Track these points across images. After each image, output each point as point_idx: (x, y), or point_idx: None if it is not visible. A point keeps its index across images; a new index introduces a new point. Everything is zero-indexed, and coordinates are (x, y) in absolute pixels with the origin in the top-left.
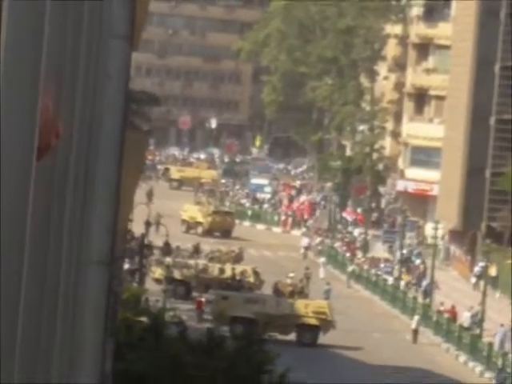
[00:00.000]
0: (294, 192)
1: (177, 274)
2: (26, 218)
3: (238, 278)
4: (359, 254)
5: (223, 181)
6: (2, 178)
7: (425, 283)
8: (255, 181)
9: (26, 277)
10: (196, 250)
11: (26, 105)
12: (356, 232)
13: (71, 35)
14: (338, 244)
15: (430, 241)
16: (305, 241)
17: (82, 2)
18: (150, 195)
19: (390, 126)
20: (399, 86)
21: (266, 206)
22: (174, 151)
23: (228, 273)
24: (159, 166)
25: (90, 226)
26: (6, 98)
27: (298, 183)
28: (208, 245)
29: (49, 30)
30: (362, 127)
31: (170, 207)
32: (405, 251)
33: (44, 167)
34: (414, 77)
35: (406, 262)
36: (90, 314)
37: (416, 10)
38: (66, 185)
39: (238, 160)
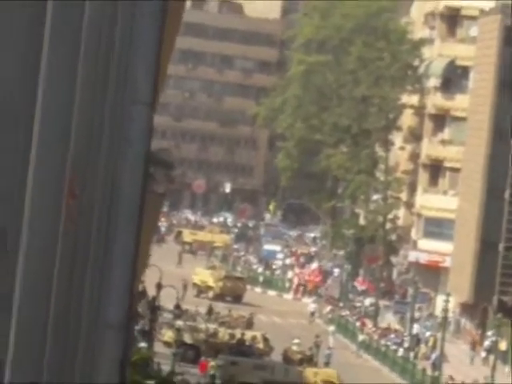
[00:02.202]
0: (305, 259)
1: (187, 338)
2: (52, 281)
3: (247, 343)
4: (369, 324)
5: (235, 246)
6: (31, 243)
7: (434, 356)
8: (268, 247)
9: (49, 340)
10: (209, 312)
11: (55, 174)
12: (367, 302)
13: (98, 100)
14: (348, 313)
15: (440, 313)
16: (311, 306)
17: (109, 66)
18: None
19: (404, 196)
20: (414, 157)
21: (277, 272)
22: (188, 214)
23: (238, 338)
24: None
25: (107, 290)
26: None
27: (310, 250)
28: (218, 309)
29: (79, 94)
30: (375, 196)
31: (181, 270)
32: (415, 323)
33: (66, 232)
34: (429, 148)
35: (416, 333)
36: (105, 377)
37: (433, 81)
38: (87, 249)
39: (250, 225)
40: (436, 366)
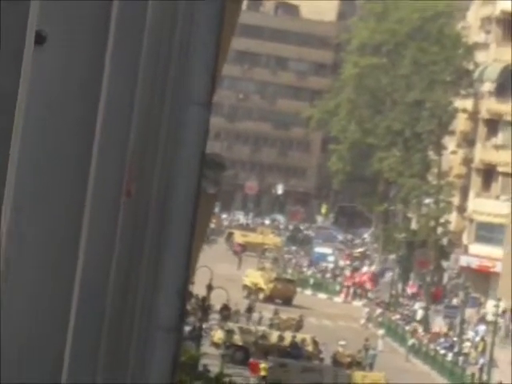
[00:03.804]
0: (356, 263)
1: (236, 339)
2: (108, 282)
3: (297, 346)
4: (419, 328)
5: (287, 248)
6: (89, 242)
7: (482, 360)
8: (319, 249)
9: (103, 340)
10: (249, 310)
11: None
12: (417, 306)
13: (157, 101)
14: (397, 317)
15: (490, 318)
16: (366, 311)
17: (168, 66)
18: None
19: (456, 200)
20: (467, 161)
21: (328, 275)
22: (239, 216)
23: (287, 340)
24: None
25: (160, 290)
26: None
27: (361, 254)
28: (268, 311)
29: (139, 94)
30: (427, 200)
31: (232, 272)
32: (465, 327)
33: (123, 232)
34: (482, 152)
35: (466, 338)
36: (156, 378)
37: (488, 86)
38: (142, 249)
39: (302, 227)
40: (483, 370)
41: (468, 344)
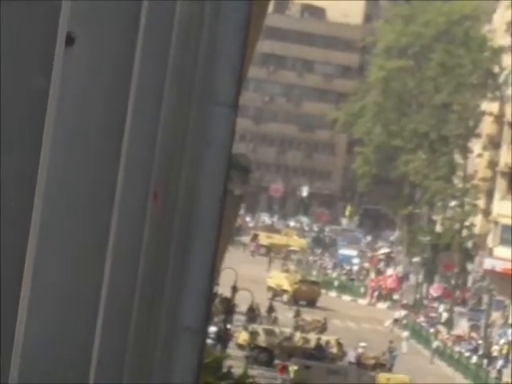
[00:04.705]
0: (381, 265)
1: (261, 341)
2: (136, 284)
3: (321, 348)
4: (444, 331)
5: (311, 250)
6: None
7: (500, 363)
8: (343, 251)
9: (130, 342)
10: (270, 310)
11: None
12: (441, 308)
13: (185, 102)
14: (422, 319)
15: None
16: (396, 314)
17: (195, 67)
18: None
19: (481, 203)
20: (492, 164)
21: (352, 277)
22: (264, 217)
23: (312, 342)
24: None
25: (186, 292)
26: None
27: (386, 256)
28: (292, 313)
29: (166, 95)
30: (453, 203)
31: (257, 273)
32: (490, 330)
33: (151, 234)
34: (508, 155)
35: (490, 341)
36: (180, 379)
37: None
38: (168, 251)
39: (327, 230)
40: (502, 372)
41: (496, 347)
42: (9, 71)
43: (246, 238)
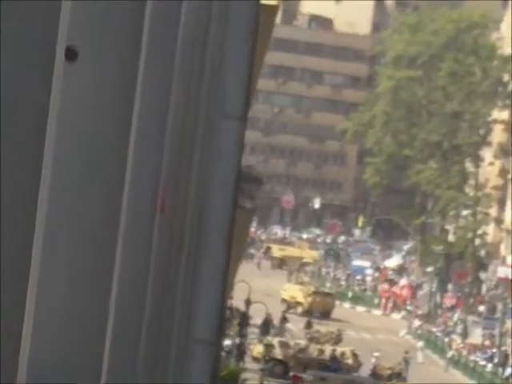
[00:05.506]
0: (395, 275)
1: (276, 353)
2: (146, 295)
3: (336, 359)
4: (458, 340)
5: (324, 261)
6: (125, 257)
7: (509, 370)
8: (356, 262)
9: (141, 354)
10: (283, 321)
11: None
12: (456, 317)
13: (192, 114)
14: (437, 328)
15: None
16: (416, 323)
17: (202, 79)
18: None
19: (493, 212)
20: (504, 172)
21: (366, 287)
22: (277, 229)
23: (327, 354)
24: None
25: (198, 305)
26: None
27: (399, 266)
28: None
29: (173, 108)
30: (465, 212)
31: (270, 286)
32: (504, 338)
33: (159, 247)
34: None
35: (505, 349)
36: None
37: None
38: (179, 263)
39: (340, 241)
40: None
41: (507, 355)
42: (9, 85)
43: (258, 253)
